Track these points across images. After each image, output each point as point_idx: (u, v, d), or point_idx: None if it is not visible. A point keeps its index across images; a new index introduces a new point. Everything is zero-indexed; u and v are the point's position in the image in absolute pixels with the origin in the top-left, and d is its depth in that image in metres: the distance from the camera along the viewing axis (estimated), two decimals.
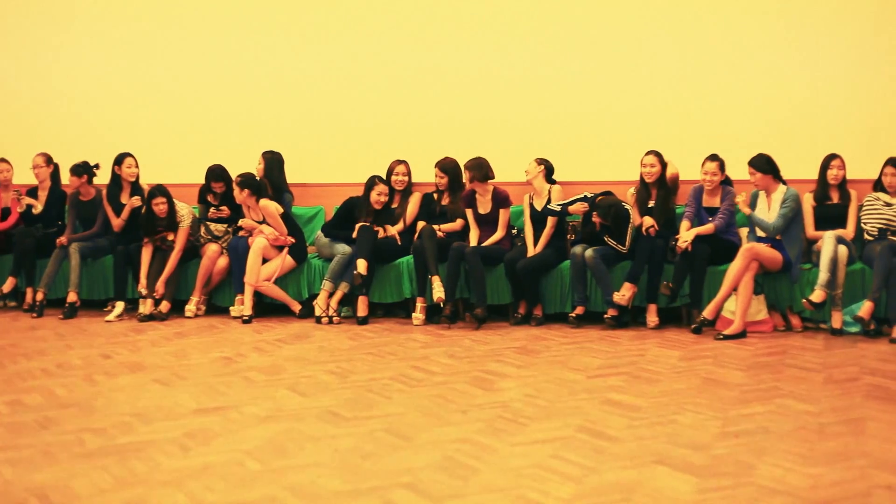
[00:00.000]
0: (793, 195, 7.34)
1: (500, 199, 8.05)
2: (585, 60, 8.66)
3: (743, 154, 7.52)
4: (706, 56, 8.37)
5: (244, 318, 8.04)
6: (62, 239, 8.67)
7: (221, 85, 9.64)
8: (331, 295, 8.02)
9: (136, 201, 8.64)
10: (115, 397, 5.52)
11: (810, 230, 7.54)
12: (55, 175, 9.18)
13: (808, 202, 7.60)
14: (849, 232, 7.43)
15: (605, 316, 7.51)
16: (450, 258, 7.71)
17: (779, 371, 5.90)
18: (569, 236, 8.01)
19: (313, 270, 8.28)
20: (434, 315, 7.84)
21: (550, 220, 7.90)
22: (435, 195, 8.44)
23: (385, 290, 8.11)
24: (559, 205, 7.76)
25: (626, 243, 7.57)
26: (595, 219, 7.55)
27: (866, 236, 7.38)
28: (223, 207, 8.57)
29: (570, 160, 8.43)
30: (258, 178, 8.44)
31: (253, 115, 9.52)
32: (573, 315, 7.61)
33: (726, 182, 7.67)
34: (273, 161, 8.70)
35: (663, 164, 7.71)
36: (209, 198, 8.64)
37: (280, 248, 8.23)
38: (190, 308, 8.31)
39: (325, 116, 9.33)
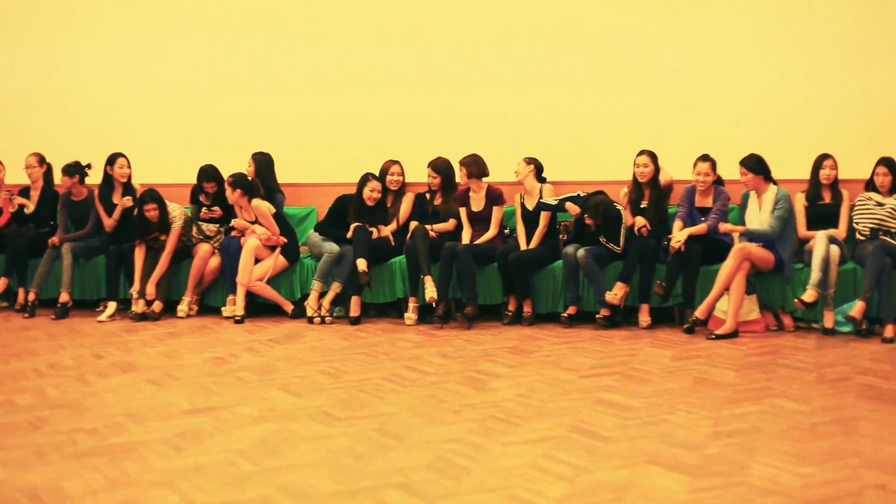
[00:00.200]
0: (785, 196, 7.35)
1: (495, 197, 8.07)
2: (578, 61, 8.68)
3: (735, 154, 7.53)
4: (699, 56, 8.40)
5: (236, 318, 8.03)
6: (54, 239, 8.64)
7: (214, 85, 9.63)
8: (322, 295, 8.02)
9: (128, 201, 8.62)
10: (107, 398, 5.50)
11: (802, 230, 7.55)
12: (48, 175, 9.16)
13: (800, 202, 7.61)
14: (841, 232, 7.45)
15: (598, 316, 7.52)
16: (442, 258, 7.71)
17: (771, 371, 5.91)
18: (561, 236, 8.02)
19: (306, 270, 8.27)
20: (426, 315, 7.84)
21: (544, 218, 7.90)
22: (427, 195, 8.44)
23: (377, 290, 8.11)
24: (555, 199, 7.77)
25: (621, 243, 7.58)
26: (588, 220, 7.56)
27: (858, 236, 7.39)
28: (215, 207, 8.56)
29: (564, 160, 8.45)
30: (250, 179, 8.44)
31: (245, 116, 9.51)
32: (565, 315, 7.62)
33: (718, 182, 7.68)
34: (263, 162, 8.68)
35: (656, 164, 7.73)
36: (201, 198, 8.63)
37: (272, 248, 8.22)
38: (182, 308, 8.30)
39: (318, 116, 9.33)
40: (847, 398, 5.19)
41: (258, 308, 8.37)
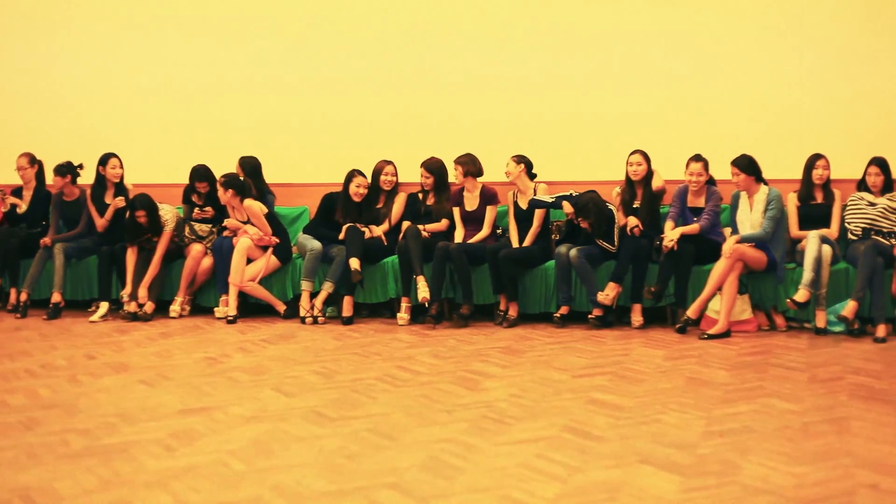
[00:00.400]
0: (776, 196, 7.36)
1: (489, 196, 8.07)
2: (571, 61, 8.69)
3: (728, 154, 7.52)
4: (692, 57, 8.41)
5: (229, 318, 8.02)
6: (46, 239, 8.62)
7: (206, 85, 9.62)
8: (314, 294, 8.02)
9: (120, 202, 8.61)
10: (99, 398, 5.49)
11: (794, 230, 7.57)
12: (40, 175, 9.14)
13: (792, 202, 7.63)
14: (833, 231, 7.47)
15: (590, 316, 7.52)
16: (435, 258, 7.71)
17: (763, 370, 5.92)
18: (553, 236, 8.03)
19: (298, 270, 8.25)
20: (419, 315, 7.84)
21: (538, 216, 7.90)
22: (420, 195, 8.43)
23: (370, 290, 8.11)
24: (551, 197, 7.77)
25: (615, 242, 7.59)
26: (583, 224, 7.56)
27: (850, 236, 7.41)
28: (207, 208, 8.54)
29: (557, 160, 8.46)
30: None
31: (237, 116, 9.51)
32: (558, 315, 7.62)
33: (711, 182, 7.69)
34: (249, 166, 8.63)
35: (649, 164, 7.73)
36: (193, 198, 8.61)
37: (265, 249, 8.21)
38: (174, 308, 8.28)
39: (310, 116, 9.33)
40: (839, 398, 5.20)
41: (250, 308, 8.36)
